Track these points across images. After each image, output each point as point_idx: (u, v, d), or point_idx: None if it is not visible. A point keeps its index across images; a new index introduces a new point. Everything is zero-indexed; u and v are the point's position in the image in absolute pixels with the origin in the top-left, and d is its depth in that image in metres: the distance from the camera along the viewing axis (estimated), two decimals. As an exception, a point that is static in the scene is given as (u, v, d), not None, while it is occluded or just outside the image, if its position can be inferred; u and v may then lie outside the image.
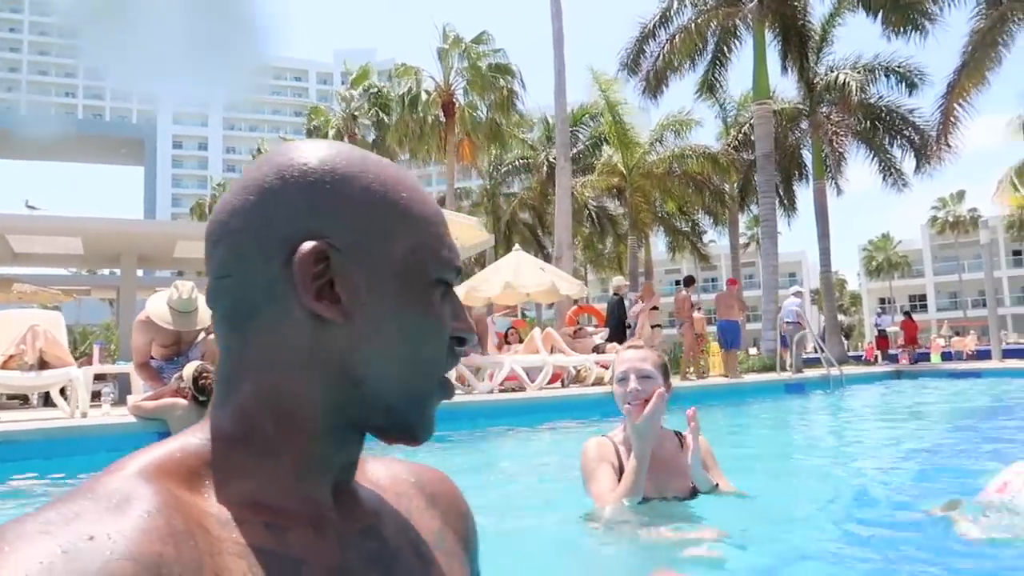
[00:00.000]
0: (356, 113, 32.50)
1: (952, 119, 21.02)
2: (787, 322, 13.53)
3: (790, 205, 29.93)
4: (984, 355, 22.50)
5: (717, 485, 2.48)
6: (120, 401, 7.86)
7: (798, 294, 14.18)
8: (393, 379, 0.59)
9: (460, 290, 12.18)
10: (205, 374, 5.12)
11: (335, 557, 0.58)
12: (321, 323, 0.57)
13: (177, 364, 5.70)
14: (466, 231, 9.51)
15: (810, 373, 12.67)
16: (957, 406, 8.79)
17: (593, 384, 9.87)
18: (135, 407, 5.24)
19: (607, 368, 10.44)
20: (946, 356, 27.13)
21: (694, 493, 2.46)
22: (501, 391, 9.20)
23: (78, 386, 6.12)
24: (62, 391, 6.76)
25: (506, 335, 11.14)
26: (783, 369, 13.14)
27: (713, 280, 66.90)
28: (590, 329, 12.11)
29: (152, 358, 5.83)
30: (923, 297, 65.33)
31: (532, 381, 9.34)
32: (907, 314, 22.04)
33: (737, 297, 13.20)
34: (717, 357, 14.76)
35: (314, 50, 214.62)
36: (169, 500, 0.51)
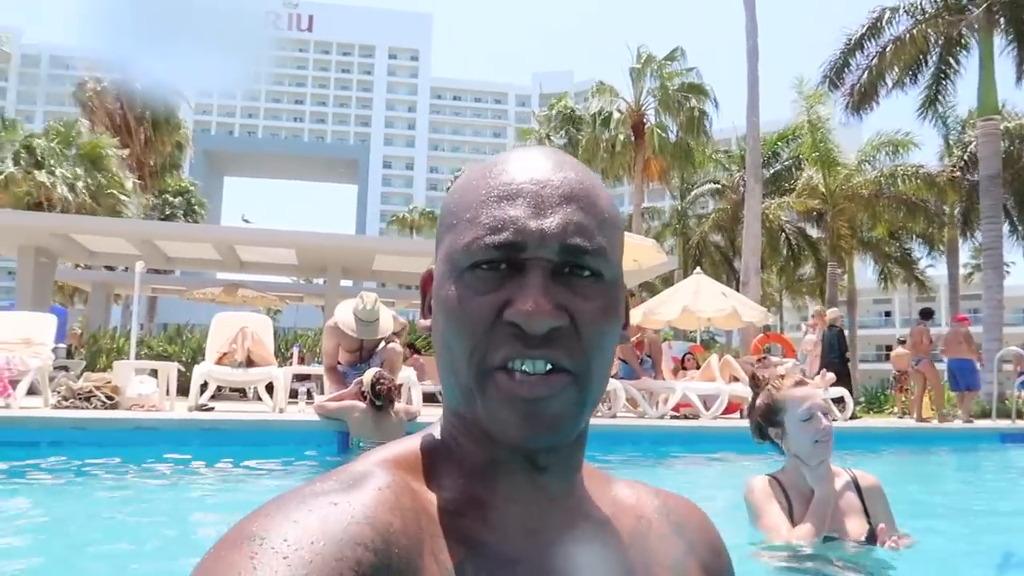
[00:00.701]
0: (549, 132, 33.23)
1: None
2: None
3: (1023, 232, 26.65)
4: None
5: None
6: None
7: None
8: (450, 380, 0.60)
9: (637, 312, 12.05)
10: (383, 380, 5.48)
11: (549, 562, 0.60)
12: (435, 336, 0.62)
13: (360, 370, 6.15)
14: (643, 252, 9.41)
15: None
16: None
17: (773, 417, 9.34)
18: (319, 407, 5.72)
19: (789, 401, 9.85)
20: None
21: (871, 537, 2.30)
22: (674, 418, 8.97)
23: (278, 384, 6.78)
24: (268, 388, 7.51)
25: (683, 360, 10.85)
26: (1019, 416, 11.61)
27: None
28: (775, 359, 11.44)
29: (339, 363, 6.33)
30: None
31: (707, 409, 9.03)
32: None
33: (966, 335, 12.00)
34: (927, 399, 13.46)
35: (514, 73, 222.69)
36: (399, 483, 0.57)
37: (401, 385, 5.87)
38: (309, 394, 8.60)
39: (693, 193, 32.46)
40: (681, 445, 6.79)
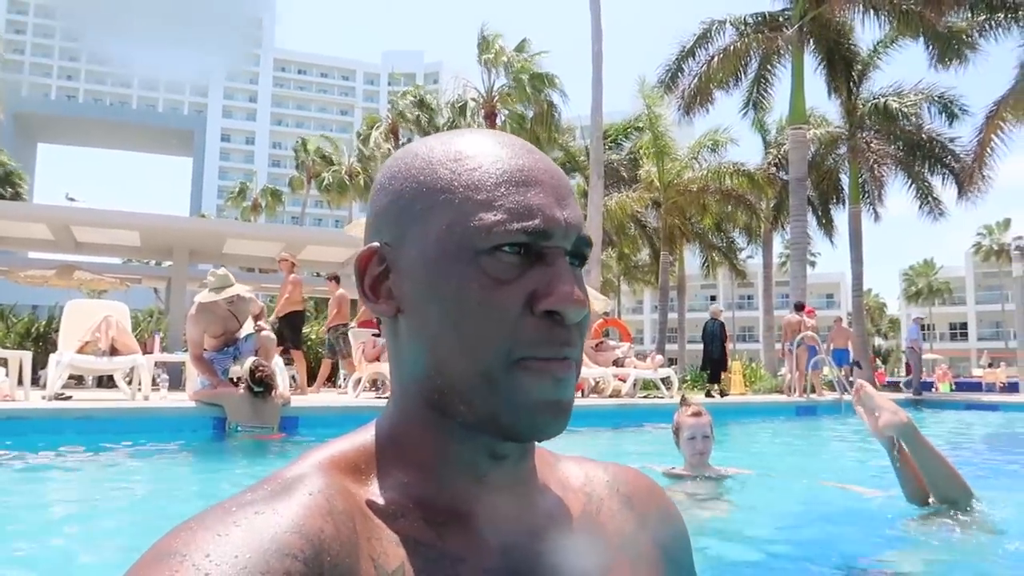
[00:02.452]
0: (403, 111, 33.04)
1: (988, 149, 21.11)
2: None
3: (828, 227, 30.08)
4: (1015, 388, 22.46)
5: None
6: (175, 387, 8.59)
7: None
8: (451, 367, 0.56)
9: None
10: (261, 367, 5.77)
11: (495, 559, 0.58)
12: (391, 320, 0.60)
13: (227, 354, 6.38)
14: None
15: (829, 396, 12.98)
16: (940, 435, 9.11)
17: (611, 396, 10.37)
18: (196, 394, 5.92)
19: (624, 381, 10.93)
20: (974, 387, 26.96)
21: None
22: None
23: (142, 372, 6.83)
24: (128, 376, 7.49)
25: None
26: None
27: (749, 298, 66.63)
28: (612, 343, 12.59)
29: (205, 349, 6.49)
30: (964, 325, 64.26)
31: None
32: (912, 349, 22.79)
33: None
34: (738, 376, 15.25)
35: (363, 50, 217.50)
36: (333, 485, 0.55)
37: (257, 316, 6.26)
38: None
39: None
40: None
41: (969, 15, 19.88)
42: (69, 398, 6.91)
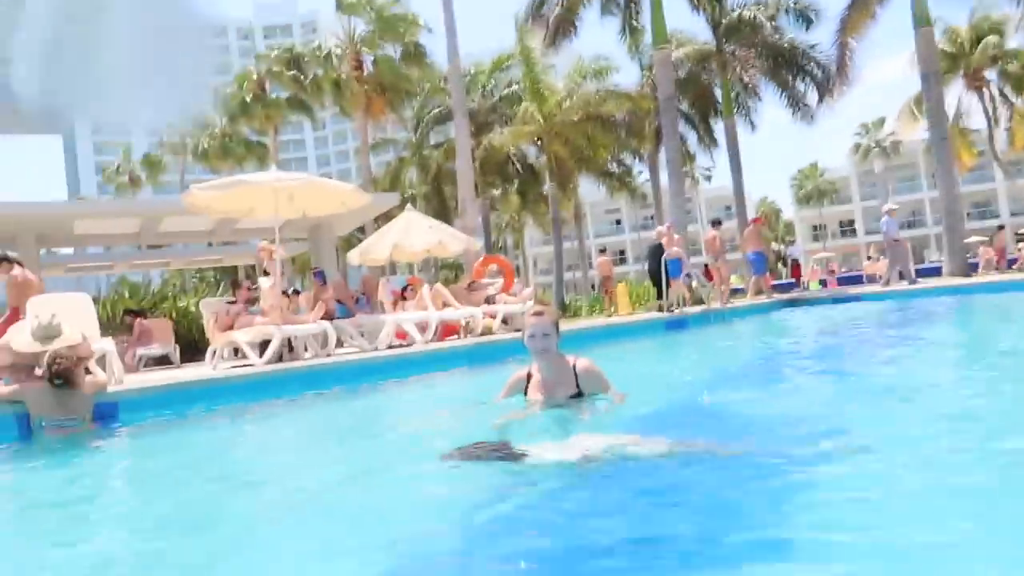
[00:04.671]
0: (274, 68, 31.73)
1: (848, 52, 21.81)
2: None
3: (709, 141, 30.75)
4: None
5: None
6: None
7: (891, 211, 15.90)
8: None
9: (354, 254, 12.49)
10: (59, 360, 5.41)
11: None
12: None
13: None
14: (349, 196, 9.75)
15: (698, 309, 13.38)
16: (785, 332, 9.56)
17: (481, 334, 10.36)
18: (-6, 393, 5.52)
19: (494, 317, 10.95)
20: (856, 280, 28.47)
21: (578, 395, 3.83)
22: (392, 348, 9.62)
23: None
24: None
25: (403, 293, 11.52)
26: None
27: (651, 218, 67.99)
28: (486, 281, 12.56)
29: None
30: (852, 222, 67.53)
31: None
32: (795, 261, 24.25)
33: (757, 232, 16.25)
34: (623, 297, 15.56)
35: (232, 2, 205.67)
36: None
37: (83, 359, 5.77)
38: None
39: (423, 123, 32.90)
40: (385, 373, 7.42)
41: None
42: None
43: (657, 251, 13.19)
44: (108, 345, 7.20)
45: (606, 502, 2.37)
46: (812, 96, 25.24)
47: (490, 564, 1.97)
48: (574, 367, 3.88)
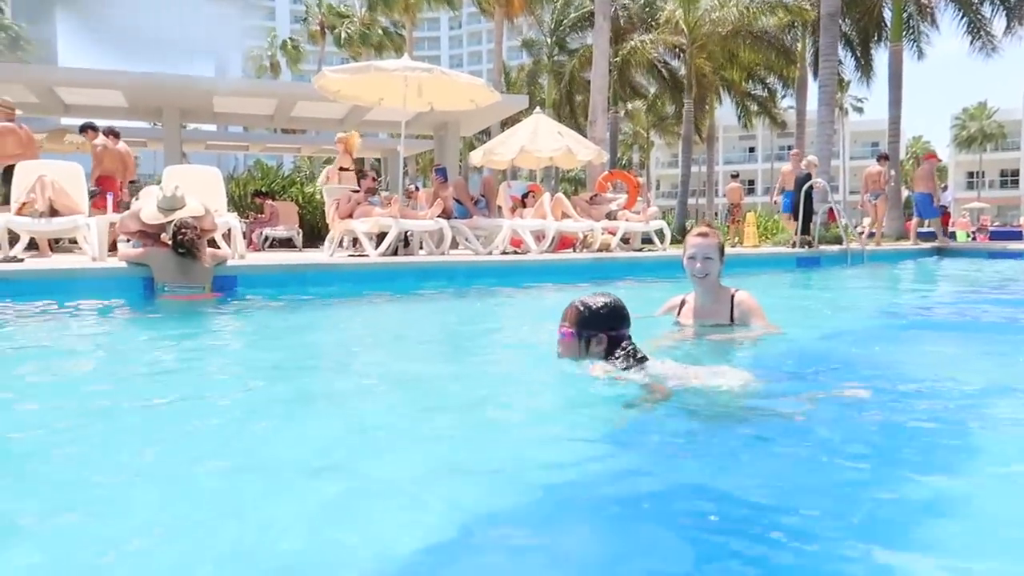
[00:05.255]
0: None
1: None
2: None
3: (867, 69, 28.08)
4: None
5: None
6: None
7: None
8: None
9: (477, 153, 12.22)
10: (184, 229, 5.50)
11: None
12: None
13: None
14: (477, 92, 9.40)
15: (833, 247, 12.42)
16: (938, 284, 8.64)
17: (599, 250, 9.98)
18: (124, 255, 5.71)
19: (614, 234, 10.51)
20: (1013, 236, 25.93)
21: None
22: (506, 254, 9.43)
23: (87, 233, 6.61)
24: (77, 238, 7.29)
25: (523, 199, 11.24)
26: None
27: (790, 147, 64.12)
28: (609, 195, 12.04)
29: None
30: (1016, 172, 61.31)
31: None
32: (944, 208, 21.78)
33: (932, 171, 15.01)
34: (751, 228, 14.71)
35: None
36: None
37: (207, 232, 5.85)
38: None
39: (560, 27, 31.73)
40: (497, 277, 7.22)
41: None
42: (21, 260, 6.77)
43: (804, 181, 12.19)
44: (233, 221, 7.33)
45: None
46: (998, 23, 22.45)
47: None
48: (732, 297, 3.57)
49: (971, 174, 63.46)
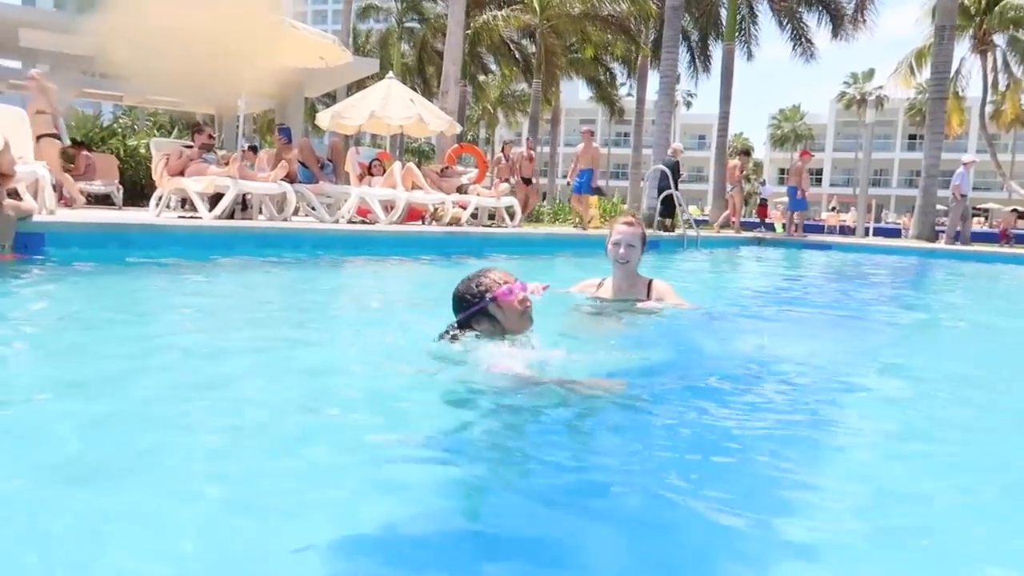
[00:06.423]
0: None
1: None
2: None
3: (704, 65, 29.69)
4: (850, 231, 23.89)
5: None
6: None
7: (968, 164, 15.14)
8: None
9: (325, 115, 11.64)
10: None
11: None
12: None
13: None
14: (327, 50, 8.88)
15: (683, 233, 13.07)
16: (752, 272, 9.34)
17: (449, 224, 9.83)
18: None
19: (465, 208, 10.41)
20: (816, 229, 28.59)
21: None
22: (355, 223, 9.06)
23: None
24: None
25: (370, 167, 10.82)
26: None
27: (625, 135, 66.87)
28: (460, 168, 11.91)
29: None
30: (820, 171, 67.64)
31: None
32: (763, 200, 23.70)
33: (804, 168, 15.98)
34: (594, 210, 15.14)
35: None
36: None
37: (6, 178, 5.08)
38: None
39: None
40: (345, 248, 6.89)
41: None
42: None
43: (672, 167, 12.93)
44: (41, 170, 6.46)
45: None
46: (820, 33, 24.52)
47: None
48: (650, 284, 3.81)
49: (782, 171, 69.32)
